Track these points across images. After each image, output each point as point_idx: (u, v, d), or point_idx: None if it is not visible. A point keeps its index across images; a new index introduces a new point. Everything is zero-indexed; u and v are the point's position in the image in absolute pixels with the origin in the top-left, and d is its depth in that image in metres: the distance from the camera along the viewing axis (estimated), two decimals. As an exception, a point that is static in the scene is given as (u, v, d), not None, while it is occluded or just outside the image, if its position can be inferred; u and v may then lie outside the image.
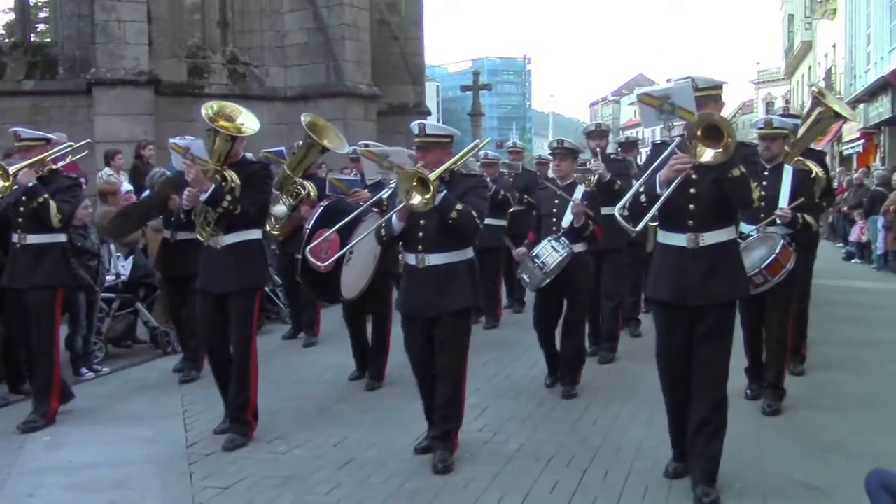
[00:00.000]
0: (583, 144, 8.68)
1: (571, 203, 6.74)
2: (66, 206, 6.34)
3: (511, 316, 10.80)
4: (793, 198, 6.32)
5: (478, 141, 6.07)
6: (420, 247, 5.21)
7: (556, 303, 6.90)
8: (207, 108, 5.69)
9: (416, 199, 4.88)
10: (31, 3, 19.29)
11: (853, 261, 17.69)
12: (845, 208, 19.16)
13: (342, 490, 4.88)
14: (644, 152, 11.31)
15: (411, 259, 5.27)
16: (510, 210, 10.26)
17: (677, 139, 4.65)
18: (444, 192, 5.04)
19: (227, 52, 17.58)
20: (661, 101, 4.55)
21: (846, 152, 32.38)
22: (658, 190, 4.52)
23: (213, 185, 5.57)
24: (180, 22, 16.94)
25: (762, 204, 6.23)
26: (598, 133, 8.51)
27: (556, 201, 6.95)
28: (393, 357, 7.43)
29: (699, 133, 4.27)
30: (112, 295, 8.62)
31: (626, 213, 4.67)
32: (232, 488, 4.95)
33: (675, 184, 4.46)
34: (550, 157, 7.72)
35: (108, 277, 8.51)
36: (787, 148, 6.96)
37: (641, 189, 4.61)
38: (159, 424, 6.31)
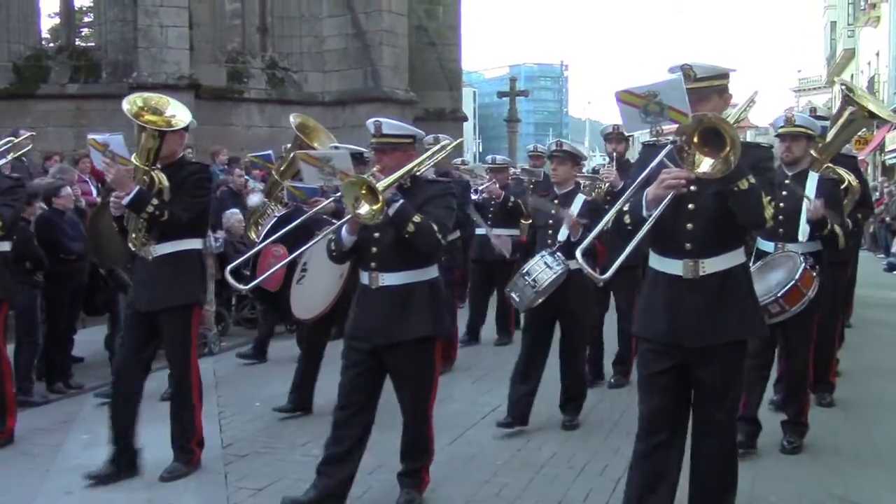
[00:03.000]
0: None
1: (566, 216, 5.95)
2: (6, 211, 5.81)
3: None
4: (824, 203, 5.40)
5: (445, 142, 5.17)
6: (373, 264, 4.49)
7: (548, 325, 6.13)
8: (130, 103, 5.03)
9: (364, 210, 4.16)
10: (76, 9, 19.66)
11: (895, 272, 17.40)
12: (888, 218, 18.83)
13: (372, 494, 4.89)
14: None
15: (364, 278, 4.56)
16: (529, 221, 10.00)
17: (668, 146, 3.68)
18: (401, 201, 4.30)
19: (266, 57, 17.77)
20: (647, 100, 3.73)
21: (889, 162, 31.86)
22: (645, 212, 3.62)
23: (137, 187, 4.91)
24: (221, 27, 17.17)
25: (780, 217, 5.28)
26: (615, 136, 7.45)
27: (553, 212, 6.20)
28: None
29: (695, 139, 3.43)
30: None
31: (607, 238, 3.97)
32: (266, 490, 4.98)
33: (664, 203, 3.56)
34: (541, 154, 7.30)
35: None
36: (814, 153, 6.17)
37: (626, 208, 3.70)
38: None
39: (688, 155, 3.44)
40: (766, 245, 5.55)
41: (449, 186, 4.82)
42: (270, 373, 8.03)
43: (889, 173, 30.48)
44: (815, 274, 5.22)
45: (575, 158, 6.37)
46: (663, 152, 3.68)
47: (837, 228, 5.43)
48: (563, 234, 5.98)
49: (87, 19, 21.80)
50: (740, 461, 5.13)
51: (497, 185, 8.86)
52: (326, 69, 17.97)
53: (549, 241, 6.03)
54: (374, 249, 4.47)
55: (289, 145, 8.01)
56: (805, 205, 5.34)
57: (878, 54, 34.61)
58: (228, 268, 4.86)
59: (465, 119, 23.30)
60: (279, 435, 6.03)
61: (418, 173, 4.68)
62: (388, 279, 4.46)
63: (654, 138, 4.78)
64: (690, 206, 3.68)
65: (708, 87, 3.72)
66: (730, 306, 3.68)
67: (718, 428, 3.76)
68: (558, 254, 5.89)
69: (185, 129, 5.24)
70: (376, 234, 4.45)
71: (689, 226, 3.68)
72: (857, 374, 7.54)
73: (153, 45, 15.20)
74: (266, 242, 6.07)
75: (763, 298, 4.92)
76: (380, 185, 4.16)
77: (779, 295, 5.10)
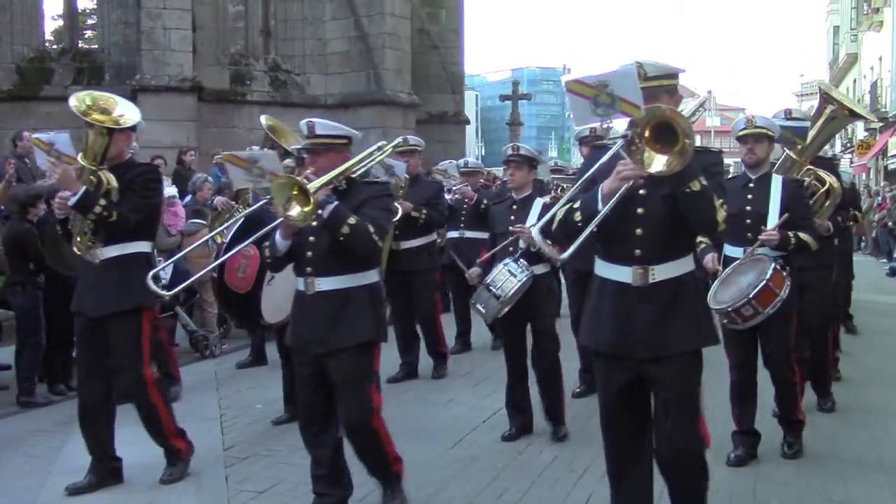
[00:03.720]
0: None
1: (535, 231, 5.44)
2: None
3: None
4: (783, 213, 5.28)
5: (383, 142, 4.98)
6: (309, 269, 4.33)
7: (522, 328, 6.00)
8: (79, 101, 4.89)
9: (295, 211, 4.01)
10: (79, 11, 19.69)
11: (897, 277, 17.40)
12: (890, 223, 18.83)
13: (374, 497, 4.88)
14: None
15: (300, 284, 4.40)
16: None
17: (620, 140, 3.51)
18: (335, 203, 4.18)
19: (269, 59, 17.80)
20: (597, 91, 3.48)
21: (891, 166, 31.84)
22: (599, 206, 3.46)
23: (84, 188, 4.76)
24: (224, 30, 17.21)
25: (748, 221, 5.31)
26: (591, 139, 6.91)
27: (513, 217, 5.91)
28: (424, 367, 7.57)
29: (647, 134, 3.26)
30: (152, 298, 8.73)
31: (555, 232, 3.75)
32: (267, 492, 4.99)
33: (617, 196, 3.41)
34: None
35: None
36: (793, 155, 6.16)
37: (577, 205, 3.55)
38: (196, 427, 6.34)
39: (636, 150, 3.29)
40: (735, 251, 5.40)
41: (385, 188, 4.67)
42: (271, 375, 8.01)
43: (891, 178, 30.44)
44: (785, 274, 5.08)
45: (532, 162, 6.15)
46: (617, 145, 3.51)
47: (804, 236, 5.24)
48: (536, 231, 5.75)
49: (90, 21, 21.86)
50: (742, 467, 5.21)
51: (469, 188, 8.71)
52: (329, 72, 18.01)
53: (511, 248, 5.85)
54: (310, 254, 4.31)
55: (257, 147, 7.97)
56: (770, 215, 5.24)
57: (880, 59, 34.58)
58: (151, 273, 4.63)
59: (468, 122, 23.32)
60: (280, 438, 6.03)
61: (354, 175, 4.50)
62: (325, 284, 4.29)
63: (591, 135, 4.48)
64: (640, 209, 3.52)
65: (657, 86, 3.56)
66: (681, 315, 3.54)
67: (677, 441, 3.56)
68: (521, 260, 5.68)
69: (133, 129, 5.12)
70: (311, 238, 4.29)
71: (639, 231, 3.52)
72: (858, 380, 7.52)
73: (156, 48, 15.25)
74: (239, 248, 5.69)
75: (735, 302, 4.93)
76: (311, 186, 4.02)
77: (751, 296, 4.94)
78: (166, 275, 8.84)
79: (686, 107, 3.92)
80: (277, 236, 4.31)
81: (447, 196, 8.83)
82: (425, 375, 7.67)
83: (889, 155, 32.07)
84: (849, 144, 38.60)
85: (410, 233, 7.71)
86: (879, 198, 22.67)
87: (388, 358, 7.44)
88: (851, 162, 35.47)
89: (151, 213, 5.16)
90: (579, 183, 3.64)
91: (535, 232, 3.59)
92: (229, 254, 5.11)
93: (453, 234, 8.87)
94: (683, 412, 3.54)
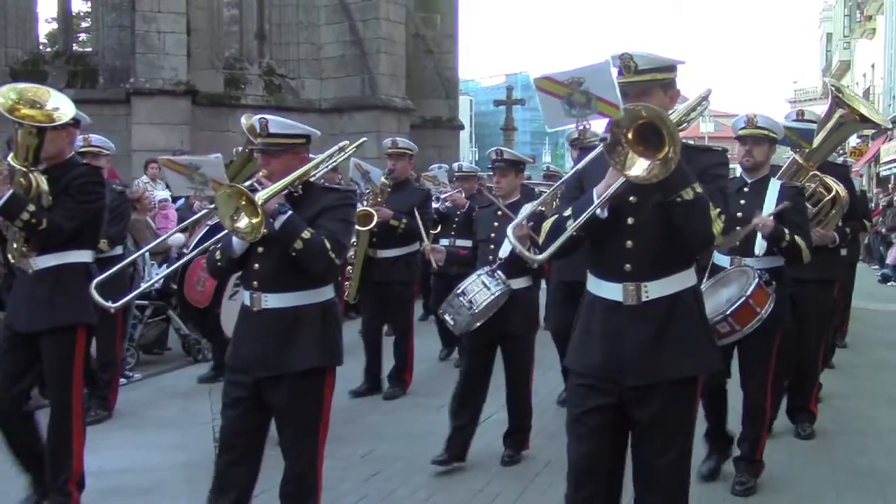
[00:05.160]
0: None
1: (511, 226, 5.24)
2: None
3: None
4: (777, 221, 4.87)
5: (344, 143, 4.52)
6: (255, 283, 3.85)
7: (489, 350, 5.53)
8: (4, 97, 4.36)
9: (243, 223, 3.59)
10: (74, 14, 19.67)
11: (889, 283, 17.44)
12: (883, 230, 18.91)
13: (368, 502, 4.89)
14: None
15: (246, 298, 3.93)
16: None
17: (599, 144, 3.12)
18: (288, 213, 3.70)
19: (263, 63, 17.81)
20: (570, 89, 3.17)
21: (884, 173, 31.96)
22: (598, 211, 3.08)
23: (10, 191, 4.29)
24: (219, 34, 17.22)
25: (738, 229, 4.85)
26: (581, 141, 6.50)
27: (496, 224, 5.52)
28: (417, 371, 7.50)
29: (631, 136, 2.87)
30: (145, 302, 8.71)
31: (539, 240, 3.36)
32: (259, 497, 4.94)
33: (612, 189, 3.04)
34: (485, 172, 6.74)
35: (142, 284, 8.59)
36: (800, 160, 5.78)
37: (568, 213, 3.16)
38: (189, 431, 6.35)
39: (620, 152, 2.89)
40: (722, 260, 5.06)
41: (348, 195, 4.09)
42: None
43: (884, 184, 30.56)
44: (770, 290, 4.68)
45: (518, 166, 5.76)
46: (598, 148, 3.13)
47: (799, 240, 4.83)
48: (505, 251, 5.26)
49: (84, 24, 21.83)
50: (713, 485, 5.03)
51: (462, 195, 8.31)
52: (324, 76, 18.02)
53: (490, 258, 5.41)
54: (257, 266, 3.84)
55: (240, 148, 7.52)
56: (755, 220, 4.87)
57: (873, 66, 34.78)
58: (94, 281, 4.31)
59: (462, 127, 23.34)
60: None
61: (313, 179, 4.03)
62: (273, 301, 3.82)
63: (575, 137, 4.02)
64: (630, 220, 3.15)
65: (651, 80, 3.13)
66: (678, 337, 3.14)
67: (663, 480, 3.17)
68: (498, 273, 5.21)
69: (75, 124, 4.76)
70: (260, 249, 3.82)
71: (629, 243, 3.15)
72: (845, 397, 7.38)
73: (151, 51, 15.24)
74: (189, 257, 5.47)
75: (712, 317, 4.41)
76: (260, 196, 3.61)
77: (728, 313, 4.54)
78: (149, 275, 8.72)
79: (680, 107, 3.41)
80: (234, 238, 3.81)
81: (436, 204, 8.53)
82: (418, 380, 7.65)
83: (882, 162, 32.20)
84: (842, 151, 38.71)
85: (388, 241, 7.32)
86: (872, 204, 22.76)
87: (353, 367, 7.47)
88: (845, 168, 35.53)
89: (91, 219, 4.68)
90: (557, 185, 3.31)
91: (509, 228, 3.24)
92: (176, 265, 4.59)
93: (444, 243, 8.36)
94: (669, 446, 3.16)
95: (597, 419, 3.19)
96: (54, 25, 20.38)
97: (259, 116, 3.95)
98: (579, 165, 3.27)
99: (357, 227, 7.11)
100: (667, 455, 3.15)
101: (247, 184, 3.80)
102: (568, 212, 3.16)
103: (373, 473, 5.37)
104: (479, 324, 5.24)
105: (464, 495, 5.00)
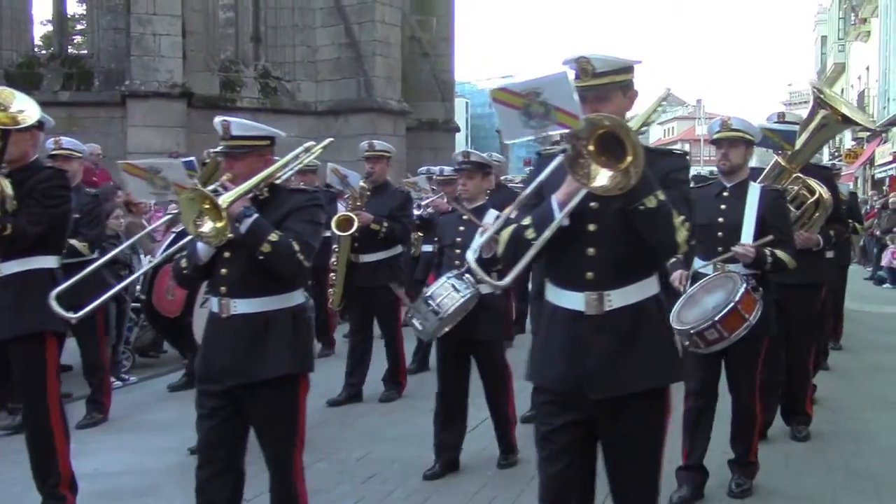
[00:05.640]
0: None
1: (479, 230, 5.04)
2: None
3: (523, 338, 10.44)
4: (759, 226, 4.78)
5: (310, 143, 4.37)
6: (223, 289, 3.75)
7: (463, 357, 5.43)
8: None
9: (207, 227, 3.50)
10: (69, 16, 19.66)
11: (884, 286, 17.49)
12: (877, 232, 18.98)
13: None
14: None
15: (214, 305, 3.83)
16: None
17: (559, 155, 2.99)
18: (254, 216, 3.62)
19: (259, 66, 17.81)
20: (528, 100, 3.07)
21: (878, 175, 32.07)
22: (556, 213, 2.95)
23: None
24: (214, 36, 17.23)
25: (720, 235, 4.83)
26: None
27: (462, 228, 5.44)
28: (412, 374, 7.54)
29: (590, 146, 2.76)
30: (139, 305, 8.70)
31: (496, 256, 3.26)
32: (255, 500, 4.95)
33: (575, 201, 2.92)
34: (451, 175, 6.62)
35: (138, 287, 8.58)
36: (782, 162, 5.71)
37: (527, 221, 3.02)
38: (184, 434, 6.30)
39: (583, 164, 2.77)
40: (705, 266, 4.92)
41: (315, 197, 3.99)
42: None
43: (878, 187, 30.65)
44: (757, 297, 4.59)
45: (485, 169, 5.68)
46: (558, 158, 2.99)
47: (781, 255, 4.75)
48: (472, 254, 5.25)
49: (79, 27, 21.84)
50: (710, 485, 4.93)
51: (445, 200, 8.06)
52: (319, 79, 18.04)
53: (457, 263, 5.23)
54: (224, 271, 3.75)
55: (212, 150, 7.28)
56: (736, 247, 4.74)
57: (868, 69, 34.86)
58: (55, 291, 4.16)
59: (458, 130, 23.38)
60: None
61: (279, 181, 3.95)
62: (241, 306, 3.72)
63: (542, 148, 3.72)
64: (591, 226, 3.02)
65: (609, 83, 3.02)
66: (644, 347, 3.02)
67: (634, 495, 3.10)
68: (467, 276, 5.04)
69: (40, 127, 4.64)
70: (227, 254, 3.74)
71: (591, 250, 3.02)
72: (840, 399, 7.38)
73: (146, 54, 15.24)
74: (158, 261, 5.31)
75: (699, 324, 4.44)
76: (223, 199, 3.51)
77: (716, 319, 4.42)
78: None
79: (640, 112, 3.35)
80: (198, 243, 3.74)
81: (418, 211, 8.31)
82: (414, 383, 7.65)
83: (876, 164, 32.30)
84: (836, 153, 38.85)
85: (370, 246, 7.19)
86: (868, 206, 22.85)
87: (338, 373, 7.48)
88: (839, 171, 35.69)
89: (57, 224, 4.57)
90: (524, 195, 3.12)
91: (470, 256, 3.04)
92: (138, 272, 4.49)
93: (427, 249, 8.40)
94: (639, 463, 3.06)
95: (565, 437, 3.09)
96: (49, 28, 20.39)
97: (221, 118, 3.83)
98: (541, 177, 3.10)
99: (338, 232, 7.10)
100: (637, 474, 3.07)
101: (211, 188, 3.67)
102: (527, 220, 3.02)
103: (369, 476, 5.37)
104: (447, 328, 5.12)
105: (460, 498, 4.99)
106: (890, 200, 20.37)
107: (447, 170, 8.69)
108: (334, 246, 7.32)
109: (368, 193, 7.26)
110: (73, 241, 5.61)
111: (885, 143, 31.19)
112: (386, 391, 7.45)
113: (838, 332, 9.58)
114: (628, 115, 3.14)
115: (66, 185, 4.71)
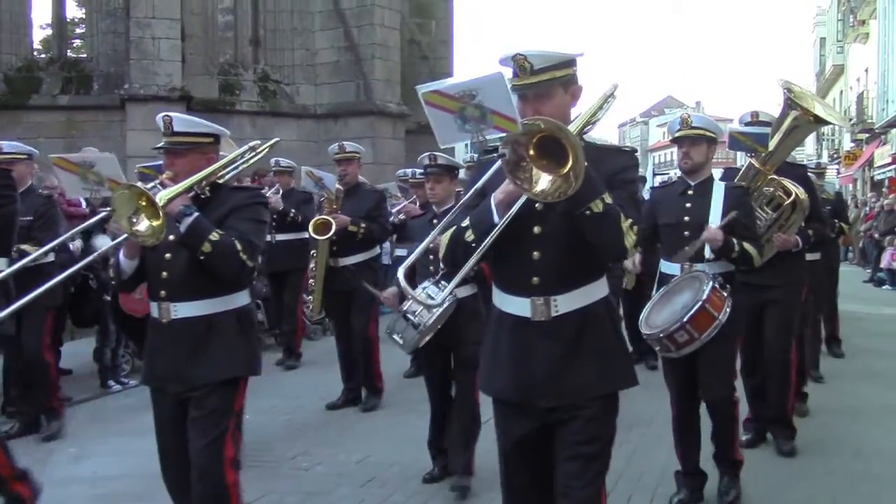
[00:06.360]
0: None
1: (400, 270, 4.57)
2: None
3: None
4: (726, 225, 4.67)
5: (255, 142, 4.26)
6: (163, 292, 3.63)
7: (446, 362, 5.32)
8: None
9: (143, 226, 3.33)
10: (68, 20, 19.67)
11: (884, 287, 17.50)
12: (876, 234, 19.00)
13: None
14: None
15: (154, 310, 3.70)
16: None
17: (498, 160, 2.81)
18: (194, 215, 3.47)
19: (258, 69, 17.81)
20: (462, 103, 2.98)
21: (877, 177, 32.07)
22: (495, 218, 2.82)
23: None
24: (213, 39, 17.22)
25: (686, 234, 4.72)
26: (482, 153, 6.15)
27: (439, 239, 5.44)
28: (412, 378, 7.46)
29: (531, 150, 2.61)
30: (140, 308, 8.70)
31: (443, 266, 2.99)
32: (256, 503, 4.97)
33: (518, 205, 2.80)
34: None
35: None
36: (757, 164, 5.55)
37: (466, 223, 2.89)
38: (184, 438, 6.33)
39: (525, 169, 2.63)
40: (671, 267, 4.82)
41: (257, 195, 3.91)
42: (259, 386, 7.99)
43: (878, 189, 30.66)
44: (725, 294, 4.47)
45: (453, 171, 5.56)
46: (498, 163, 2.83)
47: (748, 247, 4.64)
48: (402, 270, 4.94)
49: (79, 31, 21.84)
50: (708, 486, 4.88)
51: (417, 204, 7.97)
52: (318, 82, 18.03)
53: (431, 268, 5.07)
54: (165, 274, 3.63)
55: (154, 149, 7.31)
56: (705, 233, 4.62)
57: (867, 70, 34.88)
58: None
59: (457, 132, 23.37)
60: (269, 448, 6.01)
61: (221, 180, 3.82)
62: (183, 310, 3.61)
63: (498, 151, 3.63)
64: (536, 229, 2.91)
65: (549, 79, 2.87)
66: (592, 353, 2.93)
67: (577, 498, 2.91)
68: (443, 283, 4.67)
69: None
70: (167, 256, 3.62)
71: (536, 254, 2.91)
72: (840, 401, 7.36)
73: (145, 57, 15.24)
74: (75, 269, 5.07)
75: (668, 326, 4.37)
76: (161, 197, 3.37)
77: (685, 320, 4.32)
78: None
79: (583, 110, 3.16)
80: (121, 255, 3.63)
81: (391, 218, 8.11)
82: (412, 385, 7.63)
83: (875, 166, 32.31)
84: (836, 155, 38.88)
85: (349, 248, 7.13)
86: (867, 208, 22.85)
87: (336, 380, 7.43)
88: (838, 172, 35.72)
89: (5, 224, 4.45)
90: (465, 199, 2.99)
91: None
92: (71, 270, 4.07)
93: (401, 253, 8.30)
94: (586, 469, 2.92)
95: (525, 447, 3.05)
96: (49, 32, 20.38)
97: (163, 114, 3.71)
98: (479, 183, 2.97)
99: (316, 236, 7.07)
100: (583, 479, 2.92)
101: (150, 185, 3.52)
102: (466, 222, 2.90)
103: (368, 479, 5.37)
104: (427, 339, 5.02)
105: (459, 500, 4.98)
106: (886, 202, 20.40)
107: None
108: (313, 252, 7.27)
109: (342, 196, 7.22)
110: (24, 247, 5.45)
111: (884, 144, 31.20)
112: (364, 403, 7.27)
113: (837, 338, 9.50)
114: (574, 112, 3.02)
115: (12, 186, 4.55)
